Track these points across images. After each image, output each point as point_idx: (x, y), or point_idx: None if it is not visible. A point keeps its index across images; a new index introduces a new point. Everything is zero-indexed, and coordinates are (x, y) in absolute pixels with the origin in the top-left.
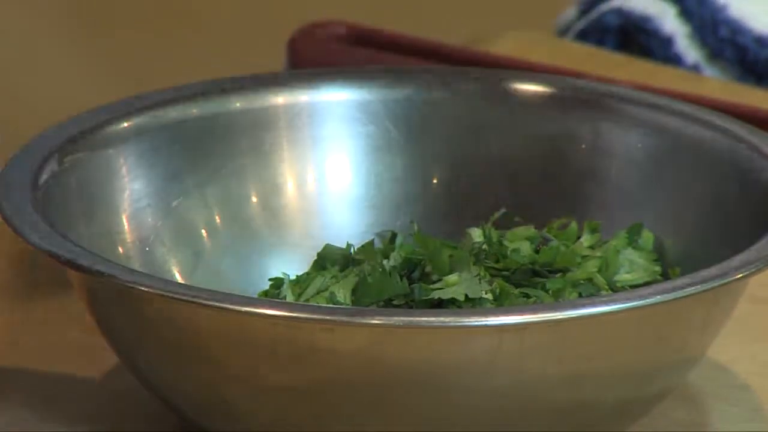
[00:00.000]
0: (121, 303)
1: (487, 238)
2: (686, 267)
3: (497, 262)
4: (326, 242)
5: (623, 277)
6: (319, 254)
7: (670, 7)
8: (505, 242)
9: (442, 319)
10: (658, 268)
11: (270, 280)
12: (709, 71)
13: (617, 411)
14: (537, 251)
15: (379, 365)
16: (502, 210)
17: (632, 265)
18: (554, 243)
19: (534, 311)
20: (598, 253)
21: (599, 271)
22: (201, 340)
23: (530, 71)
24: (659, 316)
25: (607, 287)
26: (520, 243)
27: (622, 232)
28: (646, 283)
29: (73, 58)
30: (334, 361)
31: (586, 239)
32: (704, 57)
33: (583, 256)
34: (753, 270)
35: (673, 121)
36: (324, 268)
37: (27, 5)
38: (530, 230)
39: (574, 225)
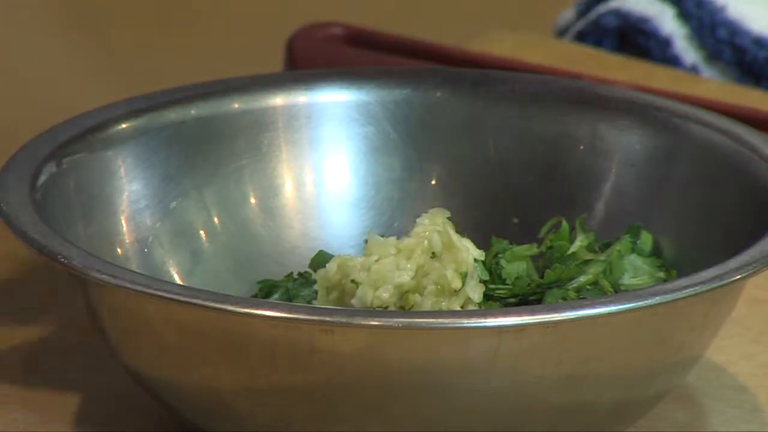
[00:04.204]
0: (119, 304)
1: (487, 266)
2: (685, 268)
3: (493, 283)
4: (325, 242)
5: (628, 282)
6: (312, 260)
7: (669, 8)
8: (502, 262)
9: (441, 320)
10: (662, 274)
11: (259, 282)
12: (708, 72)
13: (616, 412)
14: (540, 269)
15: (378, 366)
16: (506, 241)
17: (636, 270)
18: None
19: (532, 313)
20: (602, 257)
21: (603, 274)
22: (199, 342)
23: (528, 72)
24: (658, 318)
25: (612, 291)
26: (517, 264)
27: (626, 236)
28: None
29: (72, 58)
30: (333, 362)
31: (581, 239)
32: (703, 58)
33: (586, 261)
34: (751, 271)
35: (672, 123)
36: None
37: (26, 6)
38: (532, 248)
39: (565, 225)
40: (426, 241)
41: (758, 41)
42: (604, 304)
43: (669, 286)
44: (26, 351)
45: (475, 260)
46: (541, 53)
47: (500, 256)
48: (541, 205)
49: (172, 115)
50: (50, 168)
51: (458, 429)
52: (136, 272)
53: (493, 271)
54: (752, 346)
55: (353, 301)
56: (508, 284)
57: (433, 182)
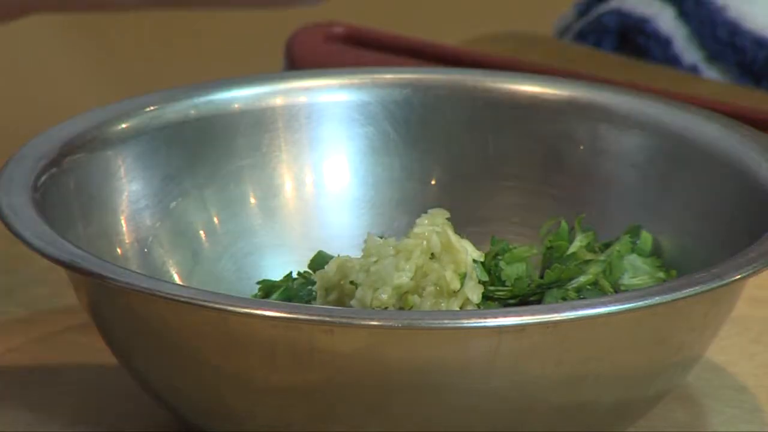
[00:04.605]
0: (120, 305)
1: (487, 267)
2: (685, 268)
3: (492, 284)
4: (325, 242)
5: (628, 282)
6: (311, 260)
7: (669, 8)
8: (501, 264)
9: (441, 320)
10: (662, 274)
11: (258, 282)
12: (708, 72)
13: (616, 412)
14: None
15: (378, 366)
16: (506, 242)
17: (636, 270)
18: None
19: (532, 313)
20: (602, 257)
21: (603, 274)
22: (200, 342)
23: (529, 72)
24: (658, 317)
25: (612, 291)
26: (516, 265)
27: (626, 236)
28: None
29: (73, 58)
30: (333, 363)
31: (580, 239)
32: (703, 58)
33: (585, 261)
34: (751, 271)
35: (672, 123)
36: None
37: None
38: (532, 249)
39: (564, 225)
40: (425, 242)
41: (758, 41)
42: (604, 304)
43: (669, 286)
44: (26, 351)
45: (474, 261)
46: (541, 53)
47: (499, 257)
48: (541, 205)
49: (172, 115)
50: (50, 168)
51: (458, 429)
52: (136, 272)
53: (492, 272)
54: (752, 346)
55: (352, 303)
56: (507, 286)
57: (433, 182)
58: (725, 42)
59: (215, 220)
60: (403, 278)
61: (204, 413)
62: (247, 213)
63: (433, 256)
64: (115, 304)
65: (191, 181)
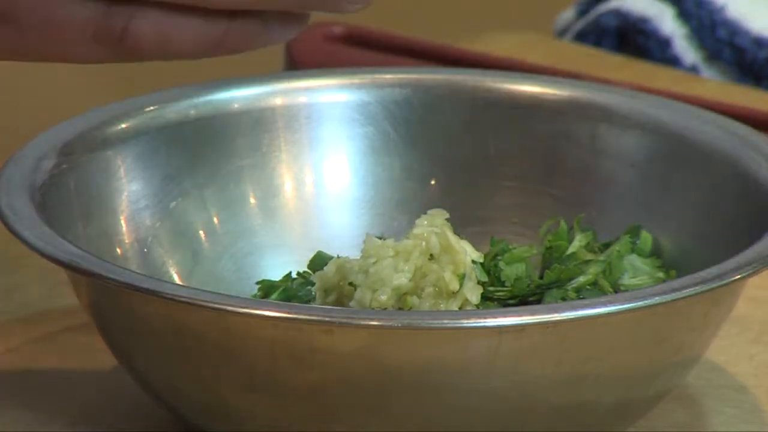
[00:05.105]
0: (119, 305)
1: (486, 268)
2: (685, 267)
3: (492, 285)
4: (325, 242)
5: (628, 282)
6: (310, 261)
7: (669, 8)
8: (501, 264)
9: (441, 320)
10: (661, 274)
11: (258, 282)
12: (708, 72)
13: (616, 412)
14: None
15: (378, 366)
16: (505, 242)
17: (636, 270)
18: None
19: (532, 313)
20: (601, 257)
21: (602, 274)
22: (199, 342)
23: (529, 72)
24: (658, 317)
25: (612, 291)
26: (516, 266)
27: (626, 236)
28: None
29: None
30: (333, 362)
31: (579, 239)
32: (702, 58)
33: (585, 261)
34: (751, 271)
35: (672, 123)
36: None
37: None
38: (531, 249)
39: (563, 224)
40: (424, 243)
41: (758, 41)
42: (604, 304)
43: (669, 286)
44: (26, 351)
45: (474, 262)
46: (541, 53)
47: (499, 258)
48: (541, 205)
49: (172, 115)
50: (50, 168)
51: (458, 429)
52: (136, 272)
53: (491, 273)
54: (752, 346)
55: (351, 304)
56: (507, 286)
57: (433, 182)
58: (725, 42)
59: (215, 220)
60: (402, 279)
61: (204, 413)
62: (247, 213)
63: (432, 257)
64: (115, 304)
65: (191, 181)
